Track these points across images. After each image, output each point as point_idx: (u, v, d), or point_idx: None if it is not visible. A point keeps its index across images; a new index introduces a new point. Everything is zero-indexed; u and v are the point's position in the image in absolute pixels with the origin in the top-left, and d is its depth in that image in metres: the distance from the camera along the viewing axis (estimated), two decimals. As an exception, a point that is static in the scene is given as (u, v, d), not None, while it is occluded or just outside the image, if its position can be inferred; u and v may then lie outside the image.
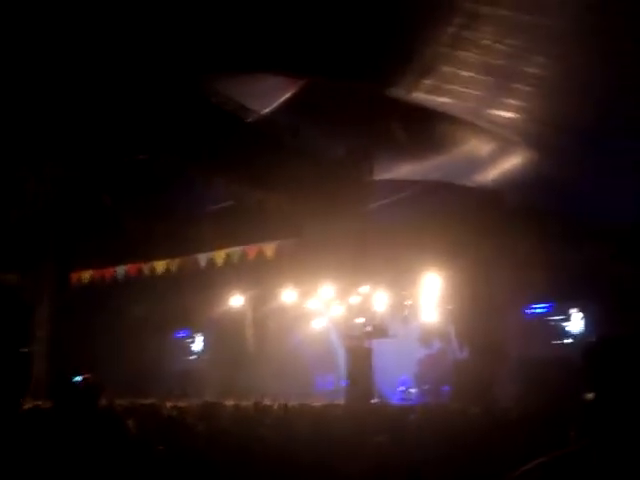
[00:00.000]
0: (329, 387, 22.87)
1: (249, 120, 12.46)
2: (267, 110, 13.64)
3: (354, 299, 16.08)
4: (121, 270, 19.88)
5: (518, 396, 15.41)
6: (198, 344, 25.30)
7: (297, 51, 10.19)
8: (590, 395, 1.37)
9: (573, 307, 18.18)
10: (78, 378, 13.79)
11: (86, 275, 20.16)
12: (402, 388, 20.91)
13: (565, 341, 19.16)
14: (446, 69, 9.46)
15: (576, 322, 18.62)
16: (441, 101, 10.80)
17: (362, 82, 11.86)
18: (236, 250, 18.36)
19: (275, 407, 13.10)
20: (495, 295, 19.07)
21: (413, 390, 21.01)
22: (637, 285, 15.83)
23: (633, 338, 1.36)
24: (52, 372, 14.55)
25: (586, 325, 18.08)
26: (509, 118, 10.54)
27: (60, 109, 9.53)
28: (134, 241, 18.94)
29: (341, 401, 15.91)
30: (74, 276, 20.21)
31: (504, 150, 13.23)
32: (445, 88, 10.09)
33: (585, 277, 16.88)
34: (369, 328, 15.75)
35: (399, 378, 20.99)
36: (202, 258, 18.94)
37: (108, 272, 20.01)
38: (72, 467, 4.10)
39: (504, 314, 19.37)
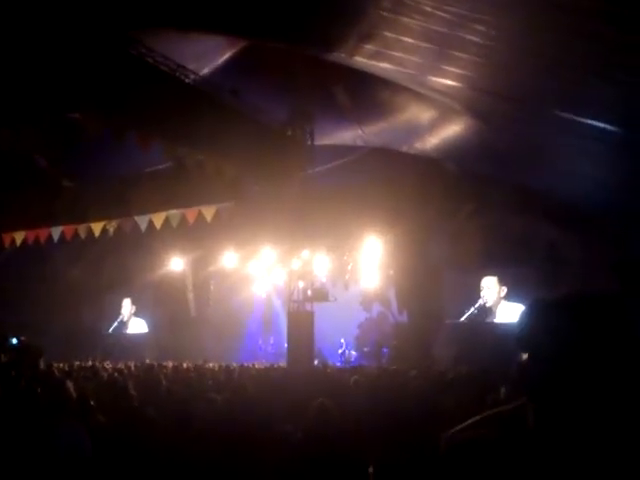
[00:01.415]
0: (271, 350, 23.05)
1: (188, 80, 12.22)
2: (206, 71, 13.40)
3: (295, 263, 16.14)
4: (56, 231, 19.40)
5: (455, 358, 15.83)
6: (136, 307, 25.04)
7: (236, 11, 10.01)
8: (524, 356, 1.42)
9: (508, 272, 18.66)
10: (14, 340, 13.53)
11: (19, 236, 19.62)
12: (341, 350, 21.27)
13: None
14: (388, 35, 9.43)
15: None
16: (382, 67, 10.79)
17: (303, 45, 11.74)
18: (176, 213, 18.12)
19: (217, 369, 13.16)
20: (434, 260, 19.43)
21: (353, 352, 21.39)
22: (571, 251, 16.38)
23: (566, 300, 1.41)
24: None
25: (521, 288, 18.59)
26: (450, 86, 10.61)
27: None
28: (70, 202, 18.52)
29: (283, 364, 16.05)
30: (7, 237, 19.68)
31: (445, 117, 13.34)
32: (386, 54, 10.08)
33: (522, 242, 17.33)
34: (310, 292, 15.84)
35: (338, 341, 21.32)
36: (141, 220, 18.63)
37: (42, 233, 19.51)
38: (11, 432, 4.06)
39: (442, 278, 19.78)
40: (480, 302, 18.97)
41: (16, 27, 8.95)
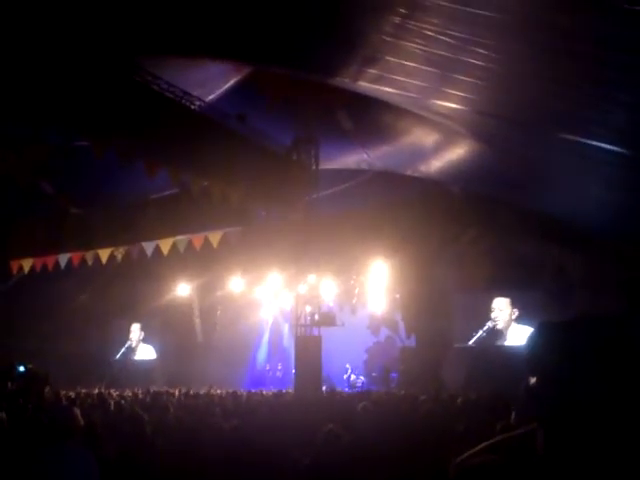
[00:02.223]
0: (279, 375, 22.95)
1: (193, 107, 12.32)
2: (212, 97, 13.51)
3: (302, 288, 16.12)
4: (63, 258, 19.48)
5: (464, 382, 15.72)
6: (144, 332, 25.02)
7: (240, 37, 10.10)
8: (533, 379, 1.41)
9: (516, 294, 18.61)
10: (21, 368, 13.51)
11: (27, 263, 19.69)
12: (347, 375, 21.18)
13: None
14: (390, 59, 9.49)
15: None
16: (386, 91, 10.85)
17: (307, 71, 11.83)
18: (182, 239, 18.18)
19: (224, 395, 13.09)
20: (440, 283, 19.37)
21: (361, 377, 21.28)
22: (579, 272, 16.32)
23: (575, 321, 1.40)
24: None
25: (529, 310, 18.52)
26: (453, 109, 10.64)
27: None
28: (77, 229, 18.59)
29: (291, 389, 15.97)
30: (15, 264, 19.74)
31: (449, 141, 13.37)
32: (389, 78, 10.13)
33: (528, 265, 17.27)
34: (317, 316, 15.80)
35: (344, 366, 21.26)
36: (148, 247, 18.69)
37: (50, 260, 19.58)
38: (20, 460, 4.04)
39: (449, 301, 19.71)
40: (489, 325, 18.87)
41: (23, 53, 9.05)
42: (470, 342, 18.71)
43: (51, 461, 3.90)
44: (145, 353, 24.58)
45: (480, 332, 18.71)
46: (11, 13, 8.73)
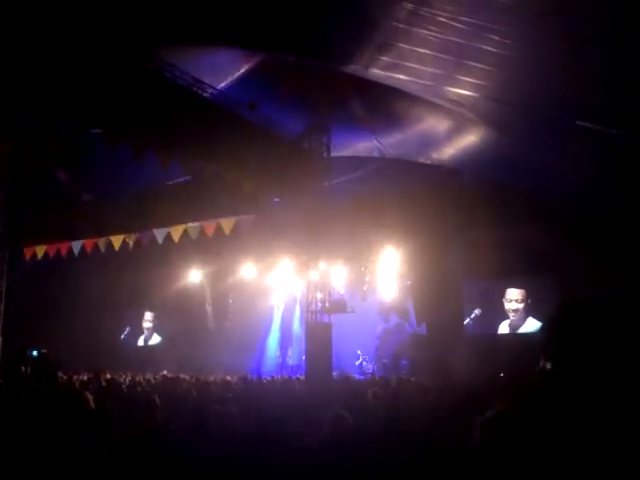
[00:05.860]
0: (290, 362, 23.01)
1: (205, 94, 12.30)
2: (223, 85, 13.49)
3: (313, 274, 16.14)
4: (77, 245, 19.59)
5: (474, 369, 15.70)
6: (155, 319, 25.23)
7: (252, 25, 10.07)
8: (549, 364, 1.40)
9: (525, 281, 18.60)
10: (35, 353, 13.62)
11: (40, 250, 19.82)
12: (358, 362, 21.21)
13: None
14: (403, 46, 9.46)
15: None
16: (398, 78, 10.81)
17: (319, 58, 11.79)
18: (194, 226, 18.22)
19: (235, 381, 13.16)
20: (451, 270, 19.32)
21: (371, 364, 21.29)
22: (586, 262, 16.23)
23: (594, 304, 1.39)
24: (7, 347, 14.35)
25: (538, 300, 18.50)
26: (466, 96, 10.60)
27: (12, 80, 9.26)
28: (90, 216, 18.68)
29: (301, 376, 16.02)
30: (28, 251, 19.87)
31: (461, 128, 13.32)
32: (402, 65, 10.10)
33: (538, 252, 17.21)
34: (328, 303, 15.82)
35: (356, 352, 21.29)
36: (159, 233, 18.75)
37: (63, 247, 19.70)
38: (28, 442, 4.08)
39: (460, 289, 19.69)
40: (476, 312, 19.11)
41: (34, 44, 9.07)
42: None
43: (61, 444, 3.95)
44: (156, 339, 24.92)
45: (467, 319, 19.02)
46: (25, 6, 8.74)
